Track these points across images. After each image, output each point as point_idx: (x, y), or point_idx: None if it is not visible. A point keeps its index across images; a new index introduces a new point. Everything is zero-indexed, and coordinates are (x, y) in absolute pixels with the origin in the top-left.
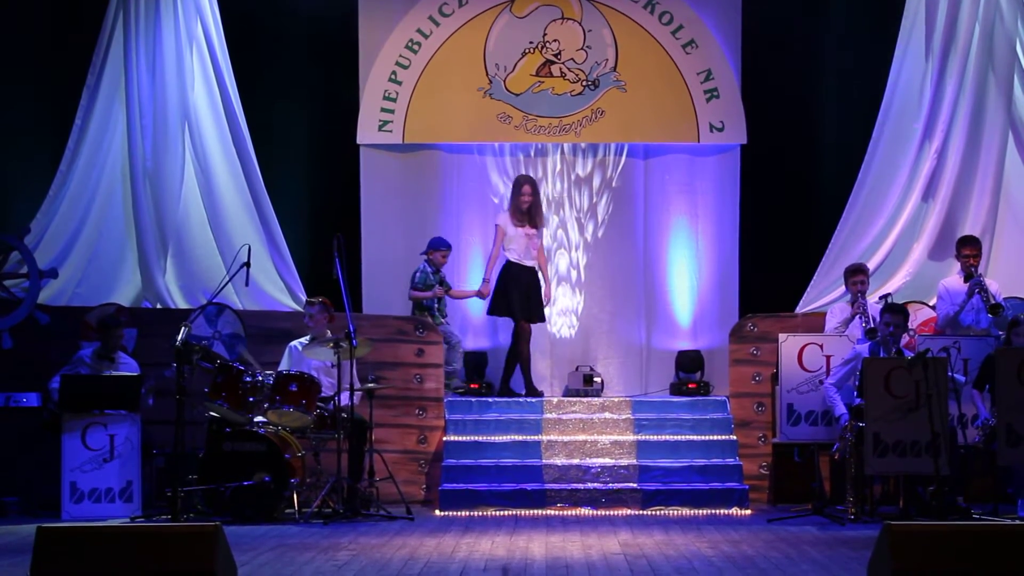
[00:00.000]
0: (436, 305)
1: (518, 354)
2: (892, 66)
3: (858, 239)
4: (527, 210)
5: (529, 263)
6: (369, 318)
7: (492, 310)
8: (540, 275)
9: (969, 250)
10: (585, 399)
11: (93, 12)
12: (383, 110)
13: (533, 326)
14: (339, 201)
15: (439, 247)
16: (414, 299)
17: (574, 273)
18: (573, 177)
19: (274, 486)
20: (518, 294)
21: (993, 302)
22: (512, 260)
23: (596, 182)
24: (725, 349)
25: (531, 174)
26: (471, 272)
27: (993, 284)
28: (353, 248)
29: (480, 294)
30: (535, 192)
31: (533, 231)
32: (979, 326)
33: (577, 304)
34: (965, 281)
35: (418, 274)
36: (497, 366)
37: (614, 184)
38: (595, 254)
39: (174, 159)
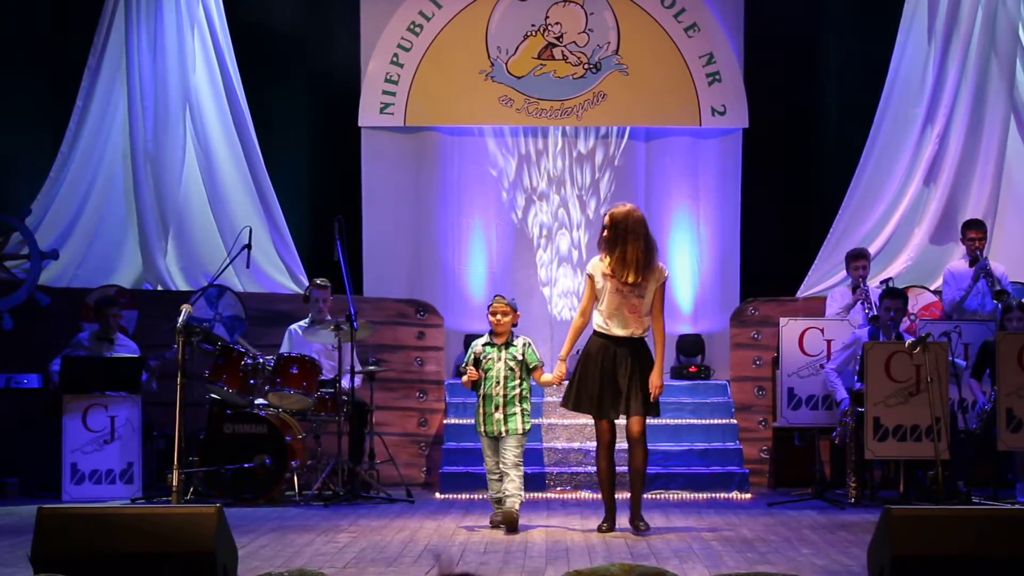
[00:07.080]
0: (481, 400)
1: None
2: (894, 50)
3: (859, 223)
4: (619, 253)
5: (621, 333)
6: (370, 301)
7: (564, 400)
8: (647, 349)
9: (975, 233)
10: None
11: None
12: (385, 92)
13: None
14: (340, 183)
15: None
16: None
17: (575, 253)
18: (575, 154)
19: (274, 468)
20: (596, 378)
21: (998, 288)
22: (596, 328)
23: (598, 160)
24: (726, 333)
25: (531, 155)
26: (472, 255)
27: (999, 267)
28: (354, 230)
29: (549, 383)
30: (628, 226)
31: (627, 287)
32: (984, 310)
33: (578, 285)
34: (971, 265)
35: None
36: None
37: (616, 164)
38: (596, 232)
39: (175, 141)
